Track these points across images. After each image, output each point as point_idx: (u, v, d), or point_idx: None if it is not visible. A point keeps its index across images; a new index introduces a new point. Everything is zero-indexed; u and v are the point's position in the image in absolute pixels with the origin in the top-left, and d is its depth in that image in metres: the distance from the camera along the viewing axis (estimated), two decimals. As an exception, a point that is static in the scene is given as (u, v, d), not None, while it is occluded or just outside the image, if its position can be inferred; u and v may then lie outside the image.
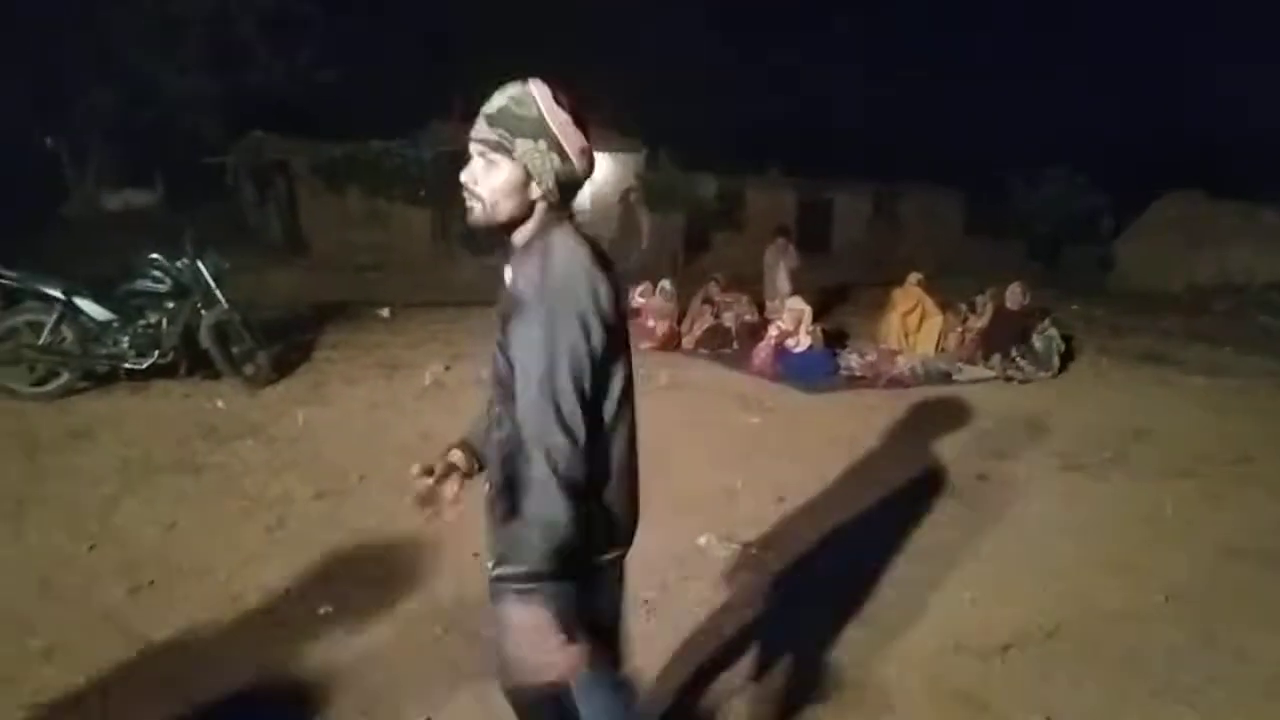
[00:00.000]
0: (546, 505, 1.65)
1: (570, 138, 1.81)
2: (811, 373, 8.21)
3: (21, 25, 15.99)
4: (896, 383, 8.29)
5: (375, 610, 3.61)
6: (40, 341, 6.58)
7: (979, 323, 9.59)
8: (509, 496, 1.78)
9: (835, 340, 9.71)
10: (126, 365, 6.87)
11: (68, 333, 6.65)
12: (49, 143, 19.01)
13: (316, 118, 18.42)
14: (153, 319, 6.95)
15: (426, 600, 3.72)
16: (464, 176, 1.84)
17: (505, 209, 1.83)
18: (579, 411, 1.70)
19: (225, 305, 7.00)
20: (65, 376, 6.68)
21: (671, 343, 9.53)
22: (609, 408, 1.84)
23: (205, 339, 6.89)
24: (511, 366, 1.79)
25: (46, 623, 3.43)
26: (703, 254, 19.26)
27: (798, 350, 8.53)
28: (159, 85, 17.46)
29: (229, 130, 18.31)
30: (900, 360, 8.82)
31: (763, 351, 8.64)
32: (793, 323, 8.67)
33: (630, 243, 19.52)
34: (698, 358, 9.27)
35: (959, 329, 9.76)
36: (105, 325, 6.78)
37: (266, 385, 7.15)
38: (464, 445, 2.07)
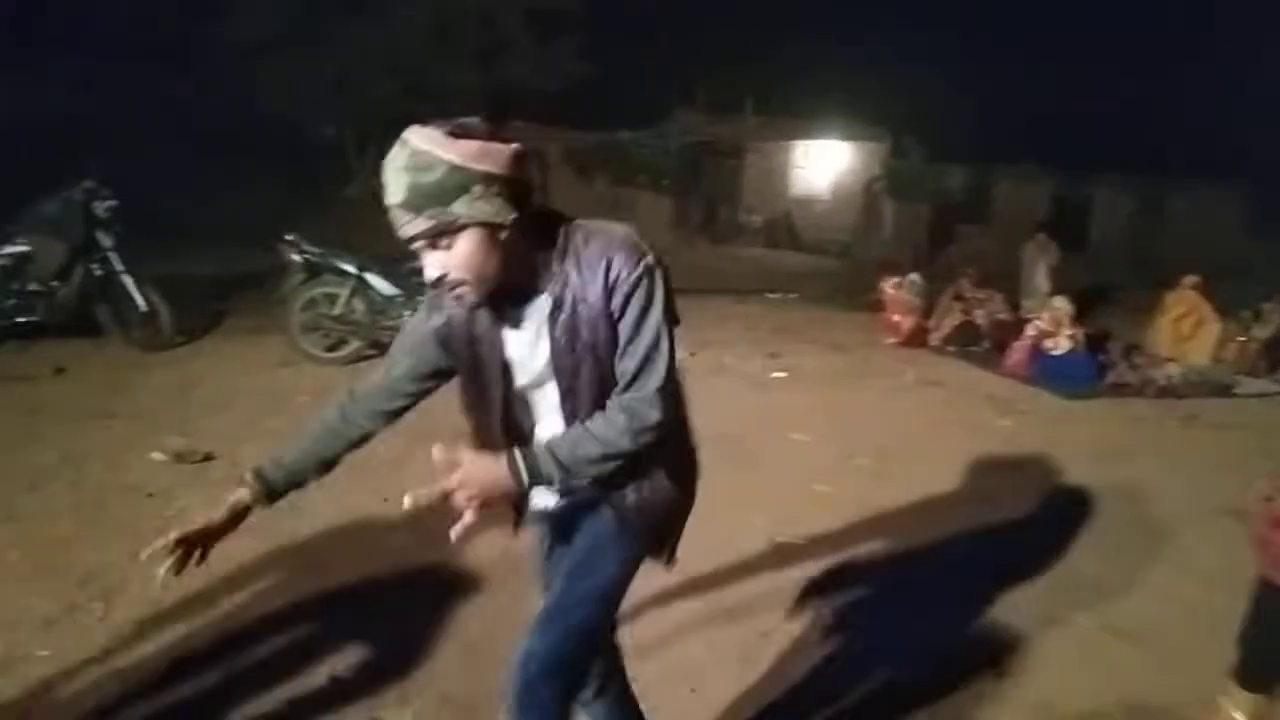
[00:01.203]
0: (622, 437, 1.75)
1: (496, 158, 1.60)
2: (1071, 377, 7.78)
3: (315, 27, 17.69)
4: (1167, 392, 7.72)
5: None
6: (335, 312, 7.30)
7: (1264, 331, 8.77)
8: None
9: (1096, 344, 9.13)
10: (406, 336, 7.49)
11: (358, 305, 7.34)
12: (330, 131, 20.84)
13: (571, 108, 19.24)
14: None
15: (691, 585, 3.86)
16: (431, 273, 1.66)
17: (492, 270, 1.66)
18: (673, 374, 1.78)
19: (493, 285, 7.51)
20: (355, 344, 7.38)
21: (917, 339, 9.30)
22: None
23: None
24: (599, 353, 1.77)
25: (338, 566, 3.83)
26: (946, 247, 18.59)
27: (1056, 353, 8.10)
28: (432, 78, 18.79)
29: (492, 120, 19.45)
30: (1171, 368, 8.20)
31: (1017, 352, 8.27)
32: (1053, 323, 8.23)
33: (872, 233, 19.31)
34: (945, 355, 9.00)
35: (1240, 338, 8.94)
36: (390, 299, 7.42)
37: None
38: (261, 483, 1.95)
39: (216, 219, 14.64)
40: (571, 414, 1.82)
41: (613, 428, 1.74)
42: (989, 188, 20.87)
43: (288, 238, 7.39)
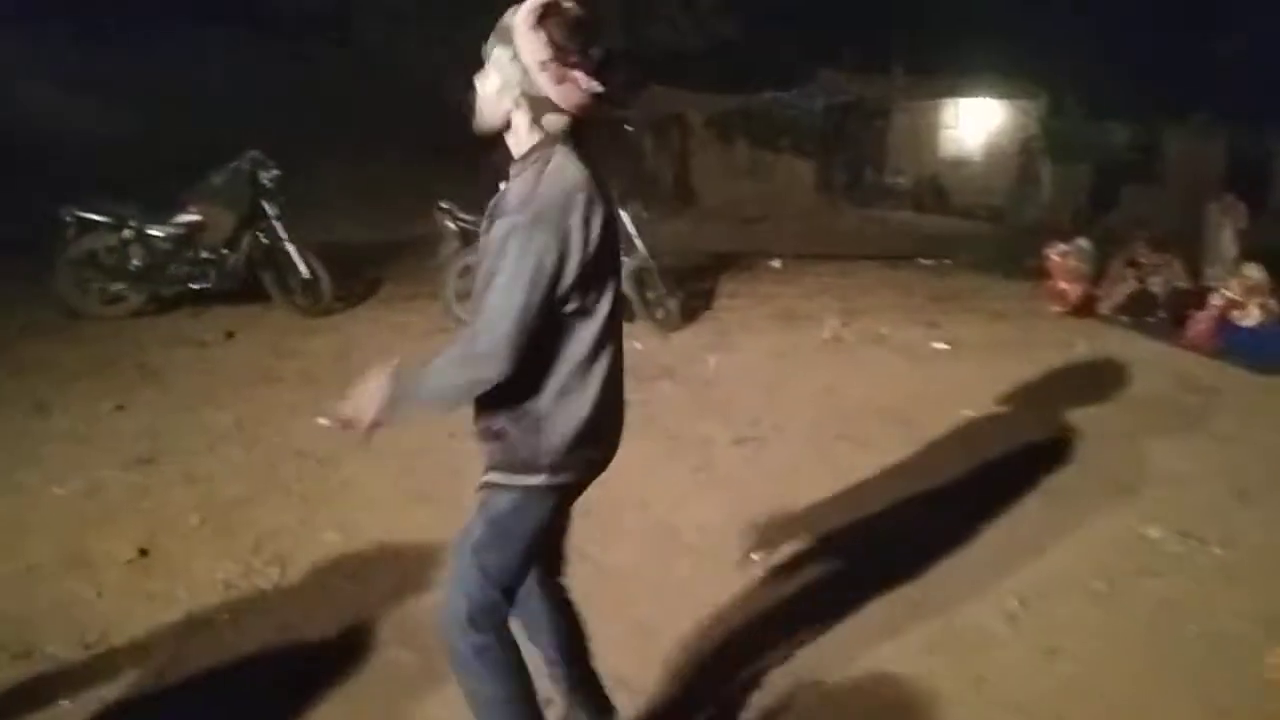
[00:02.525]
0: (459, 374, 1.91)
1: (532, 50, 1.83)
2: (1265, 350, 7.13)
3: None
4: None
5: (804, 564, 3.66)
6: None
7: None
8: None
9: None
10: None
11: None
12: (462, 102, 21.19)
13: (713, 70, 18.89)
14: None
15: (848, 558, 3.70)
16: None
17: (488, 116, 1.96)
18: (524, 330, 1.82)
19: (644, 253, 7.37)
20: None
21: (1085, 308, 8.71)
22: (590, 330, 1.94)
23: (626, 284, 7.32)
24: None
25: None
26: (1110, 209, 17.50)
27: (1247, 324, 7.45)
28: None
29: (633, 84, 19.30)
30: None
31: (1201, 323, 7.63)
32: (1244, 292, 7.56)
33: (1028, 196, 18.37)
34: (1116, 325, 8.39)
35: None
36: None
37: (675, 330, 7.46)
38: None
39: (371, 187, 15.01)
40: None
41: (447, 355, 1.92)
42: (1158, 144, 19.46)
43: (442, 205, 7.46)
